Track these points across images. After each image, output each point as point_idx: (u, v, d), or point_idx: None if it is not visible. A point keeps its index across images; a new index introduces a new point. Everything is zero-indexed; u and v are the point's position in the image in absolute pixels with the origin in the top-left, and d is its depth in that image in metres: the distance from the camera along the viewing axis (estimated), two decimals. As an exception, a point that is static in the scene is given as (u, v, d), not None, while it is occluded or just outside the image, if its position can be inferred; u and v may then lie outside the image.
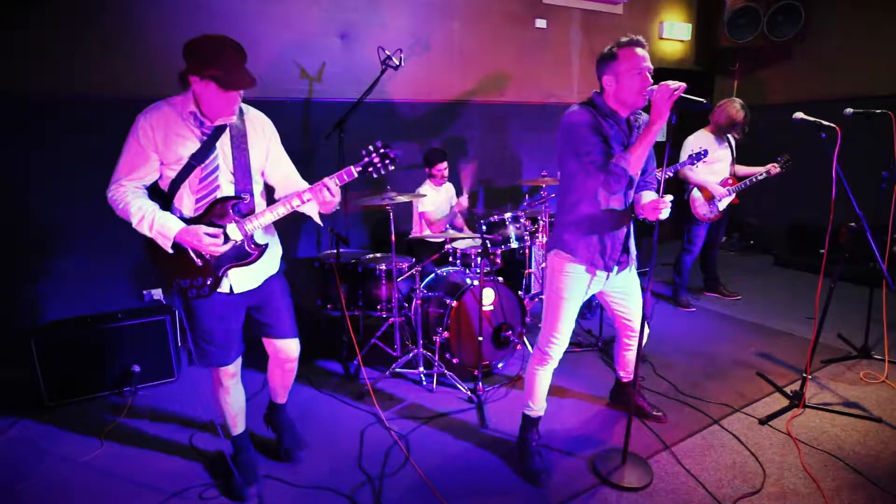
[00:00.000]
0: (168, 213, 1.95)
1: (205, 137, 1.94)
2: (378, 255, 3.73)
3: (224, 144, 1.98)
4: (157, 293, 3.80)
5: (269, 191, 2.23)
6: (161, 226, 1.90)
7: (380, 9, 4.31)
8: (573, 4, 5.29)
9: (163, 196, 2.01)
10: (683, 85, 1.90)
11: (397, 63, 3.32)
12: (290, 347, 2.29)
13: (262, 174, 2.14)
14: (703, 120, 4.30)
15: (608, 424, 2.80)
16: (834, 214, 2.72)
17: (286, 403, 2.53)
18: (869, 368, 3.33)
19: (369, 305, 3.51)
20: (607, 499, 2.25)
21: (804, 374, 2.89)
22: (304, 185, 2.19)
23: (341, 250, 3.43)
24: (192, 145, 1.93)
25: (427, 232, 3.98)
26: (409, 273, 3.38)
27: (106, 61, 3.43)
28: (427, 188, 4.04)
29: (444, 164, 3.97)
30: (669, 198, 2.08)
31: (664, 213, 2.08)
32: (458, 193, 4.22)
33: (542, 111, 5.22)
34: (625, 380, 2.81)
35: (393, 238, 3.25)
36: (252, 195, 2.05)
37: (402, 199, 3.18)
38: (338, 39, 4.19)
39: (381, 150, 2.01)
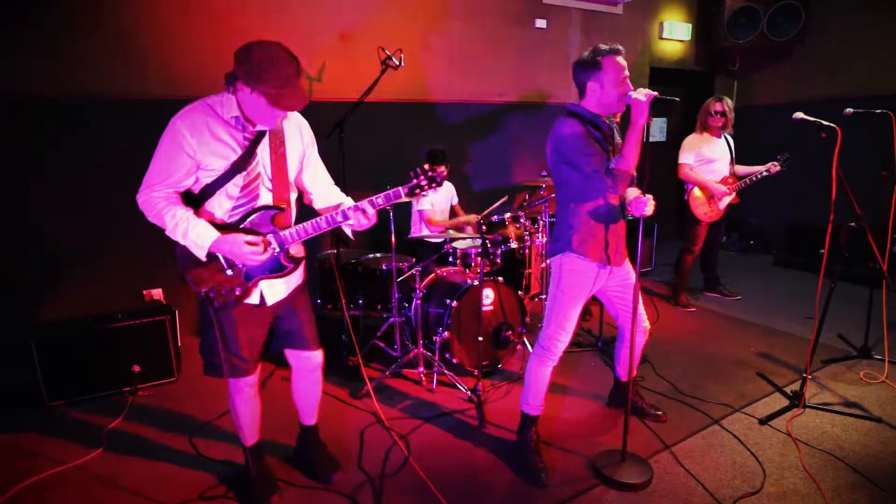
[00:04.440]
0: (202, 221, 1.85)
1: (247, 143, 1.86)
2: (378, 255, 3.73)
3: (263, 150, 1.90)
4: (158, 293, 3.80)
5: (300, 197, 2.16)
6: (196, 234, 1.82)
7: (380, 9, 4.31)
8: (573, 4, 5.29)
9: (192, 199, 1.91)
10: (655, 93, 2.10)
11: (397, 63, 3.32)
12: (314, 358, 2.25)
13: (296, 180, 2.08)
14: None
15: (608, 424, 2.80)
16: (834, 214, 2.72)
17: (317, 426, 2.44)
18: (869, 368, 3.33)
19: (369, 305, 3.51)
20: (607, 498, 2.25)
21: (804, 374, 2.89)
22: (337, 191, 2.15)
23: (341, 250, 3.43)
24: (234, 152, 1.85)
25: (427, 231, 3.98)
26: (409, 273, 3.38)
27: (107, 62, 3.43)
28: (427, 188, 4.04)
29: (443, 167, 3.96)
30: (649, 197, 2.23)
31: (648, 209, 2.21)
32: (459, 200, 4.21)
33: (542, 111, 5.22)
34: (624, 379, 2.82)
35: (393, 238, 3.25)
36: (289, 204, 1.99)
37: (402, 199, 3.17)
38: (338, 39, 4.19)
39: (430, 174, 1.95)
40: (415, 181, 1.96)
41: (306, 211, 2.13)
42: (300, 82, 1.79)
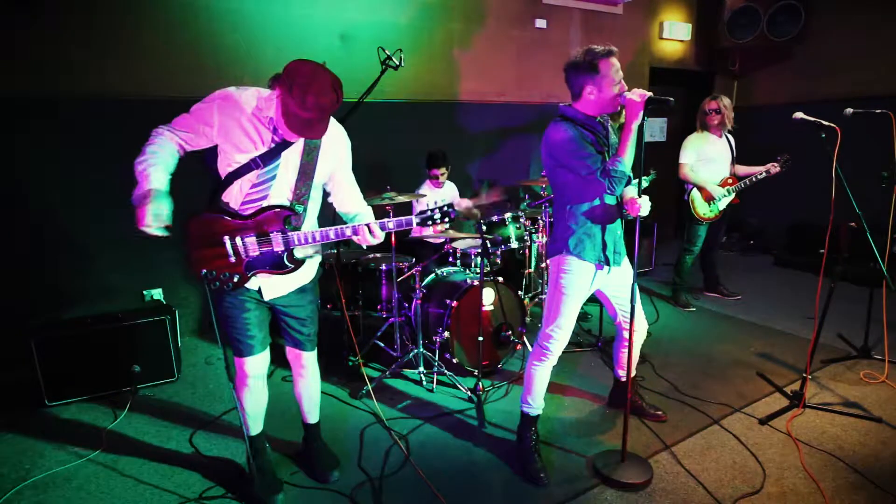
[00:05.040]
0: (159, 174, 1.84)
1: (273, 145, 1.90)
2: (378, 255, 3.73)
3: (291, 156, 1.94)
4: (158, 293, 3.80)
5: (325, 203, 2.21)
6: (143, 179, 1.82)
7: (380, 9, 4.31)
8: (573, 4, 5.29)
9: (217, 182, 1.97)
10: (650, 93, 2.12)
11: (397, 63, 3.32)
12: (306, 359, 2.30)
13: (323, 189, 2.14)
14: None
15: (608, 424, 2.80)
16: (834, 214, 2.72)
17: (319, 424, 2.47)
18: (869, 368, 3.33)
19: (369, 305, 3.51)
20: (607, 498, 2.25)
21: (804, 374, 2.89)
22: (360, 202, 2.21)
23: (341, 250, 3.43)
24: (257, 149, 1.89)
25: (427, 232, 3.98)
26: (410, 273, 3.38)
27: (106, 62, 3.43)
28: (427, 188, 4.05)
29: (442, 170, 3.96)
30: (646, 198, 2.25)
31: (644, 210, 2.23)
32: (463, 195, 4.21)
33: (541, 111, 5.22)
34: (623, 379, 2.81)
35: (393, 238, 3.25)
36: (306, 209, 2.03)
37: (402, 199, 3.18)
38: (338, 39, 4.19)
39: (444, 209, 2.05)
40: (428, 213, 2.04)
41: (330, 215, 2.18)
42: (324, 116, 1.81)
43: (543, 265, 4.04)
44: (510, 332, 3.31)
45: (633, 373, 2.68)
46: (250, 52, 3.82)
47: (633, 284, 2.31)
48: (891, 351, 3.36)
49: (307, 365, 2.31)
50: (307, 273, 2.16)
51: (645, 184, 2.38)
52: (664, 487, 2.31)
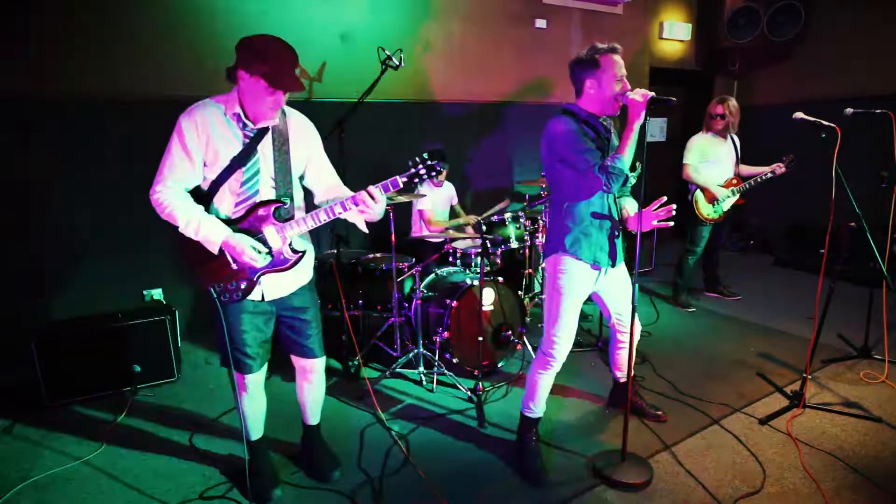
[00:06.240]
0: (213, 218, 1.91)
1: (247, 140, 1.92)
2: (378, 255, 3.73)
3: (265, 148, 1.96)
4: (158, 293, 3.80)
5: (307, 196, 2.20)
6: (207, 233, 1.88)
7: (380, 9, 4.31)
8: (573, 4, 5.30)
9: (202, 195, 1.97)
10: (652, 93, 2.12)
11: (397, 63, 3.33)
12: (316, 364, 2.28)
13: (304, 179, 2.14)
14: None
15: (608, 424, 2.80)
16: (834, 214, 2.72)
17: (319, 425, 2.46)
18: (869, 368, 3.33)
19: (369, 305, 3.51)
20: (607, 498, 2.25)
21: (804, 374, 2.89)
22: (346, 190, 2.16)
23: (341, 250, 3.43)
24: (234, 147, 1.91)
25: (427, 232, 3.98)
26: (409, 273, 3.38)
27: (106, 62, 3.44)
28: (426, 188, 4.04)
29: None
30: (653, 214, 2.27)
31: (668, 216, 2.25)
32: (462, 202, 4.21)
33: (541, 111, 5.22)
34: (622, 380, 2.81)
35: (393, 238, 3.25)
36: (292, 199, 2.03)
37: (402, 199, 3.18)
38: (338, 39, 4.19)
39: (428, 163, 1.98)
40: (413, 170, 1.99)
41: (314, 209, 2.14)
42: (295, 71, 1.86)
43: (543, 265, 4.04)
44: (510, 332, 3.31)
45: (633, 373, 2.68)
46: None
47: (633, 286, 2.30)
48: (891, 351, 3.36)
49: (317, 370, 2.29)
50: (305, 271, 2.15)
51: (633, 180, 2.37)
52: (664, 487, 2.31)
